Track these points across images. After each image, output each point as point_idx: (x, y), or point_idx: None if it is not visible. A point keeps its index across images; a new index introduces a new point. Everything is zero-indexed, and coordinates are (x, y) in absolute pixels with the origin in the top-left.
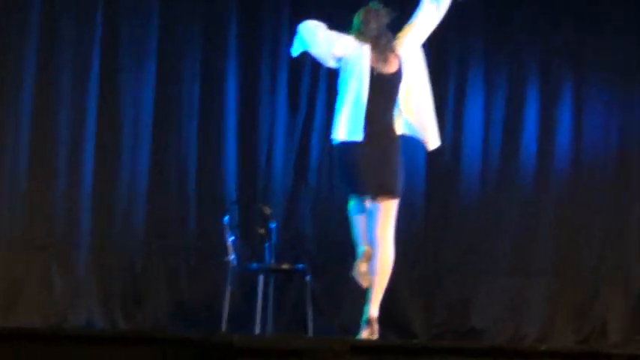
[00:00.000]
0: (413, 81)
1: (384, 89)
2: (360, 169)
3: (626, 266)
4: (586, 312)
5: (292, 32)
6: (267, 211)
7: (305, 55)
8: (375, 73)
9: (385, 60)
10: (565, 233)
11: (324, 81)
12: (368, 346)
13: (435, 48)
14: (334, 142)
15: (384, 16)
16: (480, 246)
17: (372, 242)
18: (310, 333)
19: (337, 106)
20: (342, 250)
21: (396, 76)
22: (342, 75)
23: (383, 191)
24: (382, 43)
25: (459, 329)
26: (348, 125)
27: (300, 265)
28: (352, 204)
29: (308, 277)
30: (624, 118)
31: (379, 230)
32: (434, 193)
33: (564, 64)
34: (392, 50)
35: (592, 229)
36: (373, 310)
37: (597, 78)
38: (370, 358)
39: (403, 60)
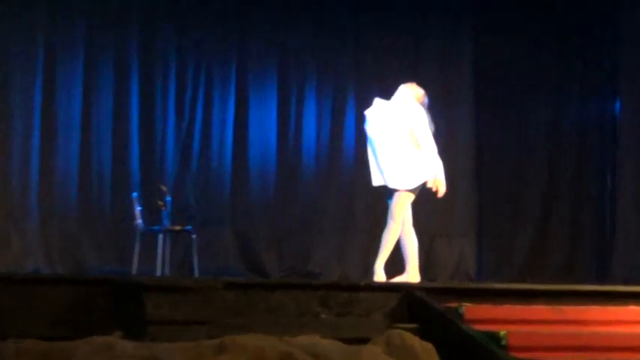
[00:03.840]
0: None
1: None
2: None
3: (419, 223)
4: (390, 258)
5: (180, 60)
6: (164, 188)
7: (189, 77)
8: None
9: None
10: (375, 199)
11: (201, 96)
12: (237, 283)
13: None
14: None
15: None
16: (316, 209)
17: None
18: (196, 274)
19: None
20: (216, 215)
21: None
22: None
23: None
24: None
25: (301, 271)
26: None
27: (188, 227)
28: None
29: (194, 236)
30: None
31: None
32: (282, 173)
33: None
34: None
35: None
36: None
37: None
38: (239, 291)
39: None
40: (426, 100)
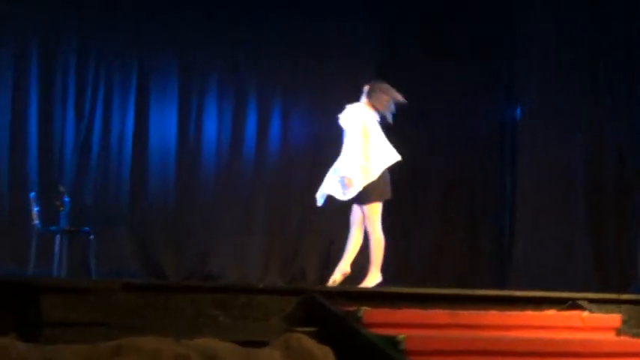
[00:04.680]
0: None
1: None
2: None
3: (319, 227)
4: (290, 260)
5: (80, 59)
6: (62, 189)
7: (89, 76)
8: None
9: None
10: (275, 202)
11: (101, 96)
12: (134, 285)
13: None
14: None
15: None
16: (215, 211)
17: None
18: (93, 276)
19: None
20: (115, 217)
21: None
22: None
23: None
24: None
25: (200, 273)
26: None
27: (86, 228)
28: None
29: (91, 237)
30: (320, 128)
31: None
32: (182, 174)
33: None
34: None
35: (296, 200)
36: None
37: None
38: (137, 293)
39: None
40: (383, 98)
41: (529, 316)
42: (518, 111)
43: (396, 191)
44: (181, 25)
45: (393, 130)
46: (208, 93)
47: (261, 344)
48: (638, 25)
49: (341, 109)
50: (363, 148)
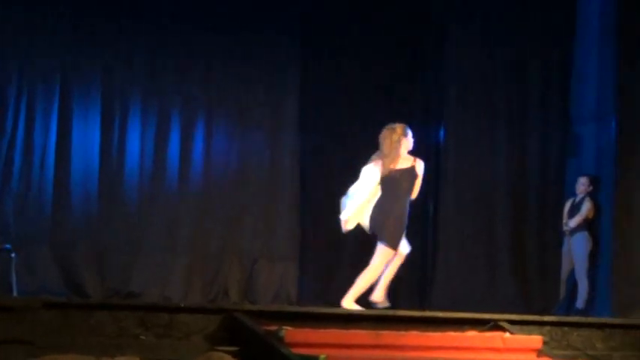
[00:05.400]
0: None
1: None
2: None
3: (242, 246)
4: (213, 279)
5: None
6: None
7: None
8: None
9: None
10: (197, 221)
11: (23, 112)
12: (56, 303)
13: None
14: None
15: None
16: (138, 229)
17: None
18: (15, 294)
19: None
20: (37, 234)
21: None
22: None
23: None
24: None
25: (122, 292)
26: None
27: (7, 245)
28: None
29: (13, 254)
30: (243, 145)
31: None
32: (104, 192)
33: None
34: None
35: (219, 218)
36: None
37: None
38: (58, 311)
39: None
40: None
41: (451, 337)
42: (442, 132)
43: (321, 212)
44: (104, 41)
45: (318, 151)
46: (131, 109)
47: None
48: (554, 45)
49: (265, 131)
50: None
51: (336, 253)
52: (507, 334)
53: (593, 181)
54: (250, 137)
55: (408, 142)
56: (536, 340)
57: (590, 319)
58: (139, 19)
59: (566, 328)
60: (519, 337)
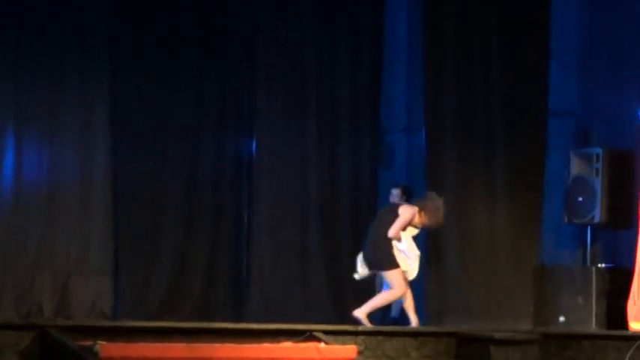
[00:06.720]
0: None
1: None
2: None
3: (55, 261)
4: (25, 295)
5: None
6: None
7: None
8: None
9: None
10: (8, 234)
11: None
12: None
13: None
14: None
15: None
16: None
17: None
18: None
19: None
20: None
21: None
22: None
23: None
24: None
25: None
26: None
27: None
28: None
29: None
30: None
31: None
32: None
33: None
34: None
35: (31, 232)
36: None
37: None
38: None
39: None
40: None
41: (266, 348)
42: (254, 145)
43: (136, 226)
44: None
45: (132, 167)
46: None
47: None
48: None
49: (73, 140)
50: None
51: (152, 265)
52: (322, 345)
53: (406, 192)
54: (60, 149)
55: None
56: (351, 349)
57: (404, 328)
58: None
59: (380, 337)
60: (334, 347)
